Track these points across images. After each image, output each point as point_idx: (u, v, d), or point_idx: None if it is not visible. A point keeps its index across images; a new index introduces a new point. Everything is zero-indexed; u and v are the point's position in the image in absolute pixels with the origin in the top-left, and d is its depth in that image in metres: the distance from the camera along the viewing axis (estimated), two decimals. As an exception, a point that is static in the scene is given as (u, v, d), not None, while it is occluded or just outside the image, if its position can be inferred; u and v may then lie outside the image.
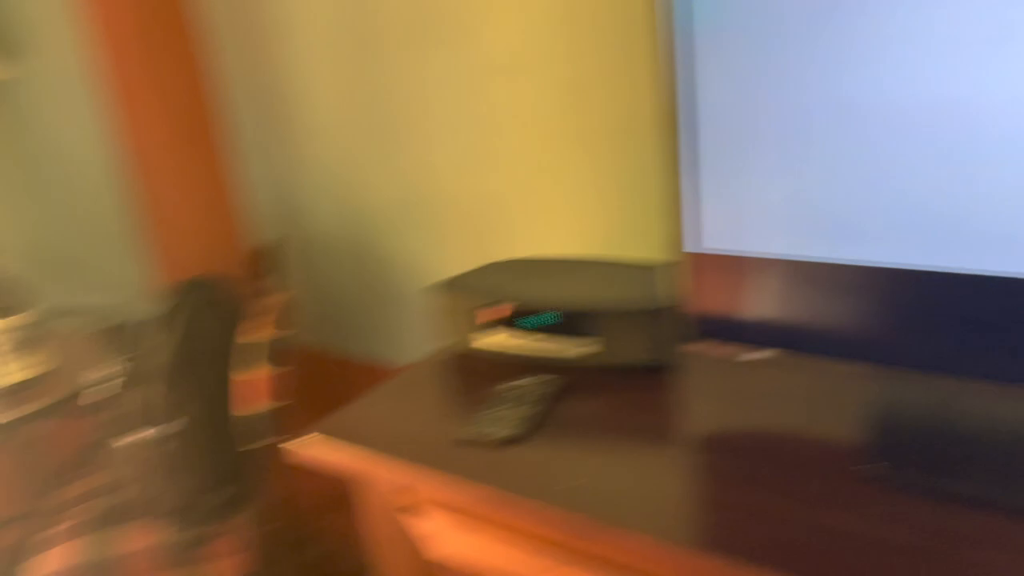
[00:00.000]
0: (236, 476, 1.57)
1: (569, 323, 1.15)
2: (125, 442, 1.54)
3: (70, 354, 1.73)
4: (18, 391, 1.59)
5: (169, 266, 1.90)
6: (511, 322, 1.18)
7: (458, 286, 1.26)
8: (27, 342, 1.57)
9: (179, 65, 1.80)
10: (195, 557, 1.52)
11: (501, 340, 1.19)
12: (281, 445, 1.54)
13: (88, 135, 1.99)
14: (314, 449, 1.03)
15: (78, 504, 1.64)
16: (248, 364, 1.56)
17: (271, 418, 1.51)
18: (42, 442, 1.58)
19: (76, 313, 2.04)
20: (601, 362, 1.14)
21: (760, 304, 0.95)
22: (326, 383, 1.98)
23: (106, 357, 1.53)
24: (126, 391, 1.51)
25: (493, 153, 1.52)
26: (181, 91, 1.81)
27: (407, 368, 1.25)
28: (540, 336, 1.17)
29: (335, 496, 2.09)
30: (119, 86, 1.81)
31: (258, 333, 1.49)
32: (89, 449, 1.73)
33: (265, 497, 1.60)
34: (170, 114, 1.80)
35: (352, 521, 2.09)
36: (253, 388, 1.52)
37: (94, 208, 2.07)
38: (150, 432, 1.50)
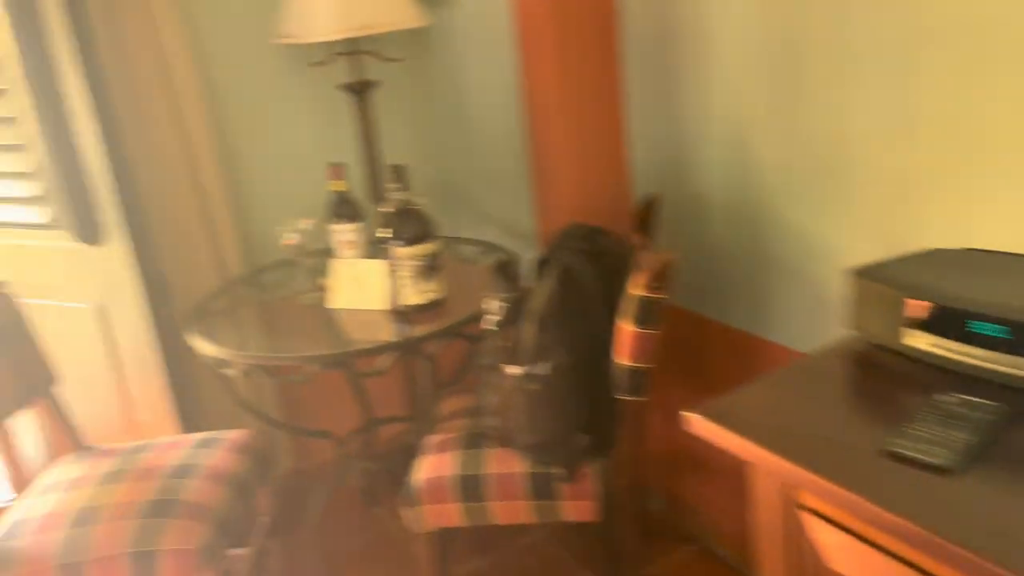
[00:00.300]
0: (594, 425, 1.61)
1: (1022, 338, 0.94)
2: (495, 374, 1.64)
3: (461, 284, 1.89)
4: (418, 312, 1.77)
5: (555, 211, 1.97)
6: (948, 326, 1.01)
7: (886, 275, 1.11)
8: (428, 270, 1.74)
9: (585, 13, 1.81)
10: (547, 492, 1.60)
11: (932, 344, 1.03)
12: (643, 402, 1.54)
13: (497, 81, 2.11)
14: (698, 428, 0.98)
15: (450, 419, 1.81)
16: (618, 318, 1.56)
17: (634, 375, 1.50)
18: (431, 359, 1.75)
19: (470, 246, 2.22)
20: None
21: None
22: (695, 347, 1.93)
23: (490, 292, 1.63)
24: (502, 326, 1.60)
25: (914, 124, 1.30)
26: (584, 40, 1.83)
27: (806, 356, 1.14)
28: (983, 348, 0.98)
29: (686, 457, 2.06)
30: (528, 34, 1.88)
31: (632, 289, 1.47)
32: (464, 373, 1.89)
33: (619, 449, 1.61)
34: (572, 62, 1.83)
35: (695, 485, 2.05)
36: (620, 343, 1.52)
37: (495, 150, 2.22)
38: (517, 370, 1.58)
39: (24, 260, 2.05)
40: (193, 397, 2.10)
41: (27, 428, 2.27)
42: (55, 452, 1.89)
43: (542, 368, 1.57)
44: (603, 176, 1.93)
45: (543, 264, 1.71)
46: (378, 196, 2.18)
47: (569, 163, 1.89)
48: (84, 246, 1.92)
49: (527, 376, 1.58)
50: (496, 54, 2.08)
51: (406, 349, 1.67)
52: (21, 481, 2.43)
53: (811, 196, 1.53)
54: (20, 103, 1.82)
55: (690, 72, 1.71)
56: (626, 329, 1.48)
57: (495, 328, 1.62)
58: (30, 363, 1.80)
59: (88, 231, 1.89)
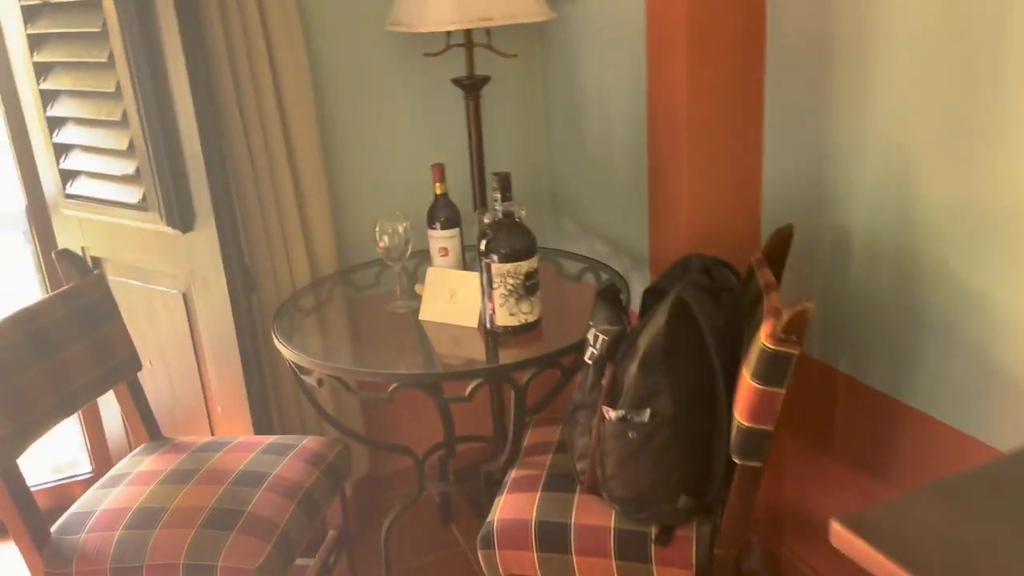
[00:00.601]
0: (698, 484, 1.42)
1: None
2: (589, 413, 1.47)
3: (559, 304, 1.72)
4: (510, 334, 1.62)
5: (671, 233, 1.78)
6: None
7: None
8: (525, 290, 1.58)
9: (725, 12, 1.61)
10: (638, 553, 1.42)
11: None
12: (755, 467, 1.33)
13: (619, 84, 1.93)
14: (847, 546, 0.78)
15: (536, 453, 1.65)
16: (738, 369, 1.36)
17: (751, 437, 1.30)
18: (520, 389, 1.59)
19: (572, 261, 2.05)
20: None
21: None
22: (818, 400, 1.71)
23: (592, 320, 1.46)
24: (601, 362, 1.43)
25: None
26: (724, 43, 1.62)
27: (996, 460, 0.91)
28: None
29: (790, 513, 1.84)
30: (660, 34, 1.68)
31: (758, 339, 1.27)
32: (553, 401, 1.73)
33: (725, 514, 1.41)
34: (708, 68, 1.63)
35: (798, 545, 1.82)
36: (738, 397, 1.32)
37: (610, 160, 2.03)
38: (614, 413, 1.41)
39: (118, 239, 2.01)
40: (269, 395, 2.02)
41: (113, 409, 2.25)
42: (133, 438, 1.84)
43: (643, 415, 1.40)
44: (730, 199, 1.72)
45: (653, 294, 1.53)
46: (478, 201, 2.04)
47: (693, 182, 1.69)
48: (174, 231, 1.85)
49: (625, 422, 1.40)
50: (621, 55, 1.90)
51: (494, 376, 1.52)
52: (101, 458, 2.43)
53: (987, 247, 1.29)
54: (119, 78, 1.76)
55: (844, 84, 1.48)
56: (748, 383, 1.28)
57: (593, 362, 1.44)
58: (116, 346, 1.74)
59: (178, 216, 1.82)
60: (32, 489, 2.44)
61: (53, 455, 2.52)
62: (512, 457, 1.66)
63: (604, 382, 1.43)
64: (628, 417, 1.40)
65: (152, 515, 1.53)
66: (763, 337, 1.25)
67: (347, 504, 1.88)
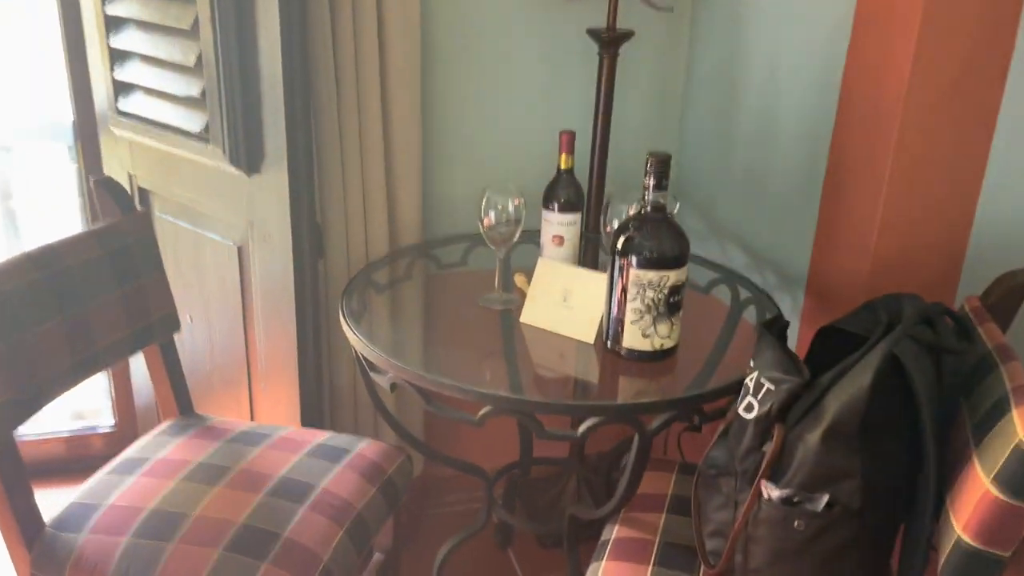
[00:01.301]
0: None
1: None
2: (736, 481, 1.13)
3: (694, 325, 1.37)
4: (638, 361, 1.27)
5: (844, 254, 1.41)
6: None
7: None
8: (667, 307, 1.23)
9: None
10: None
11: None
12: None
13: (802, 57, 1.55)
14: None
15: (646, 508, 1.32)
16: (964, 448, 1.01)
17: (976, 562, 0.95)
18: (643, 433, 1.24)
19: (706, 270, 1.68)
20: None
21: None
22: None
23: (761, 360, 1.11)
24: (769, 420, 1.08)
25: None
26: (967, 22, 1.24)
27: None
28: None
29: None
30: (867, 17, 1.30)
31: (1005, 426, 0.92)
32: (688, 471, 1.38)
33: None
34: (941, 52, 1.25)
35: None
36: (963, 501, 0.97)
37: (772, 150, 1.65)
38: (776, 491, 1.06)
39: (172, 173, 1.70)
40: (324, 380, 1.70)
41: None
42: (161, 411, 1.55)
43: (818, 501, 1.05)
44: (934, 224, 1.35)
45: (832, 337, 1.17)
46: (595, 185, 1.68)
47: (895, 194, 1.32)
48: (238, 171, 1.53)
49: (791, 506, 1.06)
50: (809, 24, 1.51)
51: (617, 416, 1.18)
52: (126, 413, 2.16)
53: None
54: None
55: None
56: (984, 488, 0.92)
57: (755, 420, 1.09)
58: (152, 302, 1.44)
59: (244, 153, 1.51)
60: (47, 437, 2.16)
61: (75, 400, 2.25)
62: (615, 505, 1.33)
63: (768, 449, 1.08)
64: (796, 500, 1.06)
65: (170, 522, 1.23)
66: (1022, 430, 0.90)
67: (400, 526, 1.57)
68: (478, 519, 1.61)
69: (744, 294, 1.56)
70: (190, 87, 1.53)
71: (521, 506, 1.87)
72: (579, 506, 1.45)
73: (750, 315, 1.50)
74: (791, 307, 1.57)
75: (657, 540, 1.25)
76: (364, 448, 1.44)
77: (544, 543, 1.89)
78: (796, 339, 1.57)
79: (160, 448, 1.42)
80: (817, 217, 1.48)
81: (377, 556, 1.56)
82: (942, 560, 0.99)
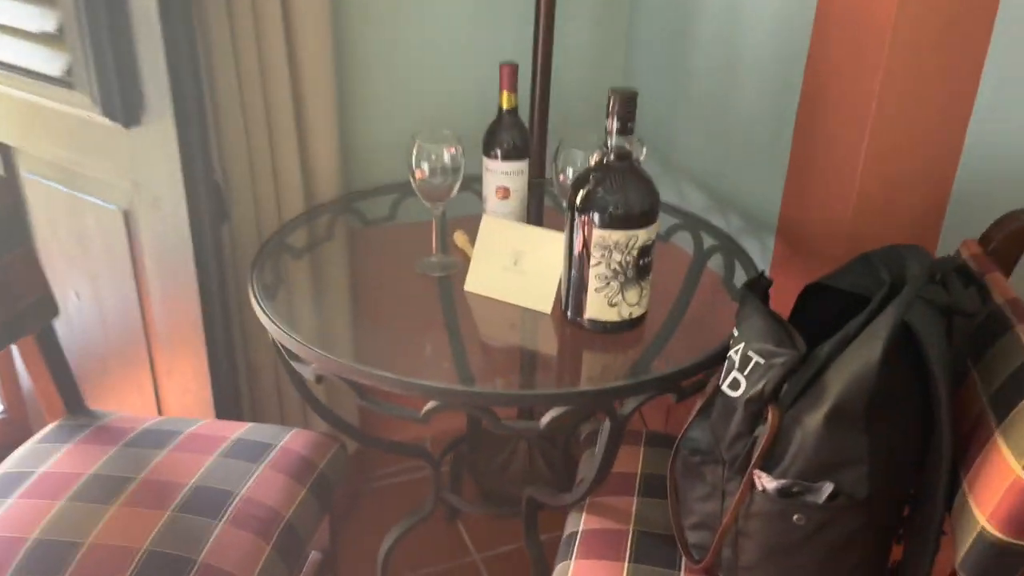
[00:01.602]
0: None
1: None
2: (723, 470, 0.99)
3: (657, 282, 1.21)
4: (603, 333, 1.11)
5: (820, 200, 1.26)
6: None
7: None
8: (636, 271, 1.06)
9: None
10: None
11: None
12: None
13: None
14: None
15: (617, 492, 1.18)
16: (980, 420, 0.89)
17: (1003, 556, 0.84)
18: (618, 415, 1.08)
19: (668, 216, 1.51)
20: None
21: None
22: None
23: (747, 329, 0.96)
24: (762, 401, 0.93)
25: None
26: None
27: None
28: None
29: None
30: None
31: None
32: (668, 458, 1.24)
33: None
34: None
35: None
36: (986, 486, 0.85)
37: (734, 77, 1.48)
38: (771, 481, 0.93)
39: (38, 125, 1.42)
40: (239, 363, 1.49)
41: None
42: (46, 411, 1.32)
43: (819, 492, 0.92)
44: (920, 161, 1.21)
45: (822, 297, 1.03)
46: (536, 126, 1.48)
47: (882, 127, 1.17)
48: (112, 123, 1.28)
49: (789, 497, 0.93)
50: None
51: (589, 404, 1.02)
52: (14, 396, 1.90)
53: None
54: None
55: None
56: (1012, 475, 0.80)
57: (745, 401, 0.95)
58: (21, 284, 1.20)
59: (119, 101, 1.25)
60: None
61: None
62: (579, 490, 1.19)
63: (760, 434, 0.94)
64: (795, 491, 0.93)
65: (58, 555, 1.02)
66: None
67: (335, 517, 1.40)
68: (424, 505, 1.45)
69: (708, 241, 1.40)
70: (44, 20, 1.25)
71: (468, 475, 1.72)
72: (538, 487, 1.30)
73: (716, 264, 1.35)
74: (760, 254, 1.43)
75: (631, 530, 1.12)
76: (289, 441, 1.26)
77: (498, 515, 1.75)
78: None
79: (43, 459, 1.20)
80: (789, 151, 1.33)
81: (314, 555, 1.39)
82: (961, 552, 0.87)
